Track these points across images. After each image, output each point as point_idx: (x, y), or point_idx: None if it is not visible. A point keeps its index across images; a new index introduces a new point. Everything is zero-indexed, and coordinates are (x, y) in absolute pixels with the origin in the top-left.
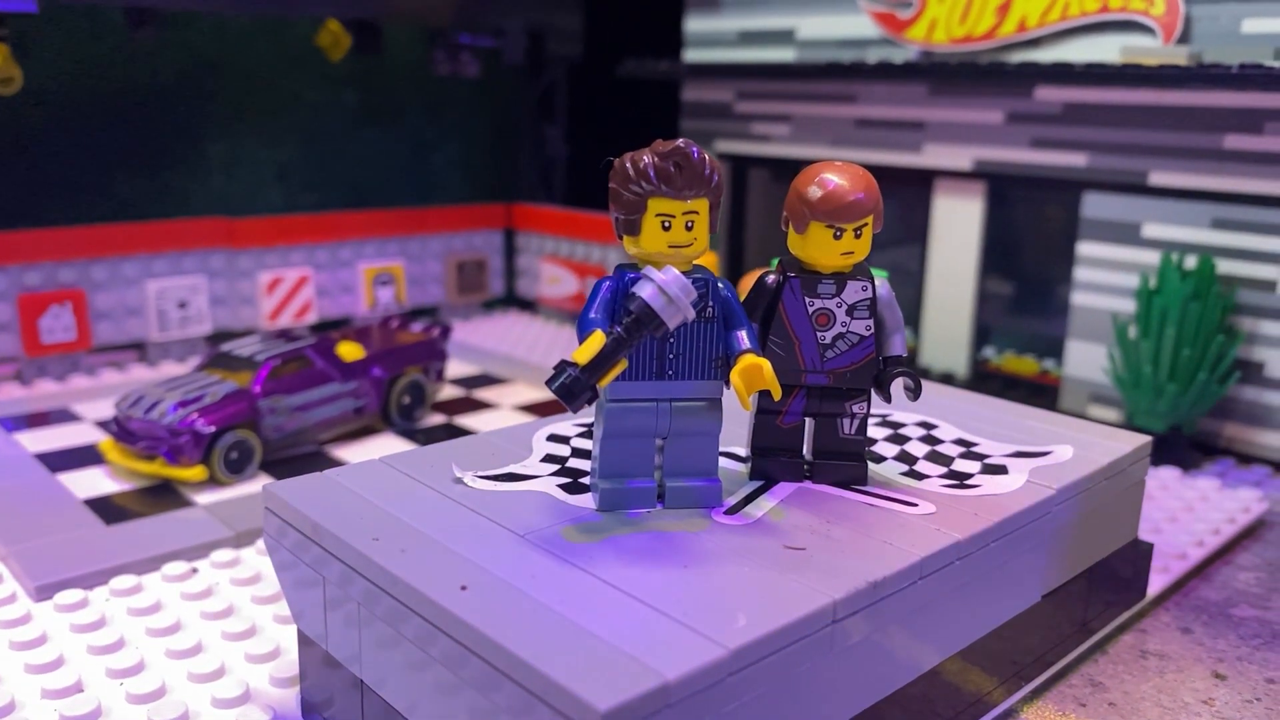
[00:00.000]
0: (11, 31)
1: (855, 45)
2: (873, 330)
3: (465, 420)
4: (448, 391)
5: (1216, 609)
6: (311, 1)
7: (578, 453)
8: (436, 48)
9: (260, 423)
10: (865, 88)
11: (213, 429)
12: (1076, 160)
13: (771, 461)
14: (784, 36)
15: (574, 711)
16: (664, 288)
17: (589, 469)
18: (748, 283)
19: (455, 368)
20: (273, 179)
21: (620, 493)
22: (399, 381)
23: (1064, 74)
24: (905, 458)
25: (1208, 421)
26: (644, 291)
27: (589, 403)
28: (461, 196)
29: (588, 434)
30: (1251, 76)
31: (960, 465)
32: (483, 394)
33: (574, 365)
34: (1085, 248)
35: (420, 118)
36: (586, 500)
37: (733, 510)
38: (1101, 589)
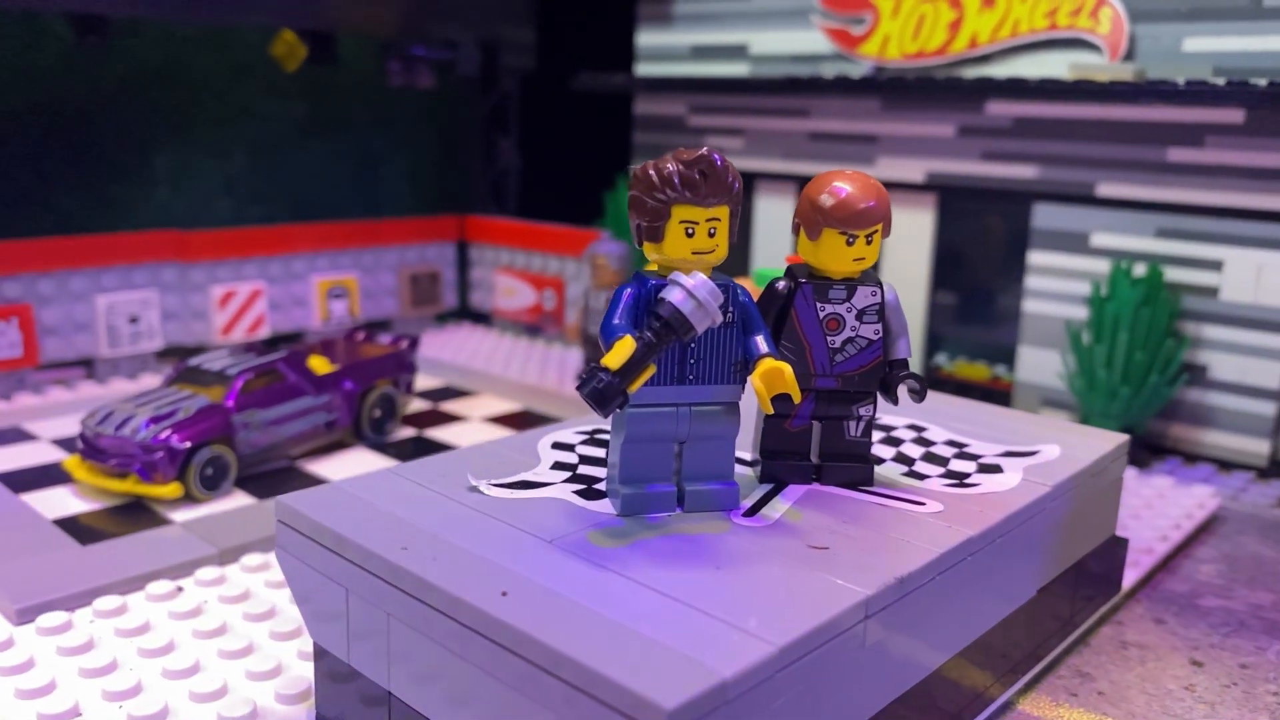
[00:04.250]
0: None
1: (808, 60)
2: (881, 334)
3: (436, 433)
4: (414, 405)
5: (1185, 600)
6: (263, 11)
7: (586, 459)
8: (391, 59)
9: (234, 438)
10: (819, 102)
11: (188, 445)
12: (1026, 172)
13: (780, 464)
14: (737, 51)
15: (638, 712)
16: (693, 292)
17: (602, 475)
18: None
19: (419, 381)
20: (220, 191)
21: (641, 497)
22: (370, 395)
23: (1018, 89)
24: (903, 459)
25: (1155, 422)
26: (673, 296)
27: (620, 408)
28: (413, 208)
29: (592, 440)
30: (1196, 92)
31: (957, 465)
32: (450, 406)
33: (604, 370)
34: (1035, 257)
35: (370, 129)
36: (604, 506)
37: (750, 512)
38: (1084, 583)
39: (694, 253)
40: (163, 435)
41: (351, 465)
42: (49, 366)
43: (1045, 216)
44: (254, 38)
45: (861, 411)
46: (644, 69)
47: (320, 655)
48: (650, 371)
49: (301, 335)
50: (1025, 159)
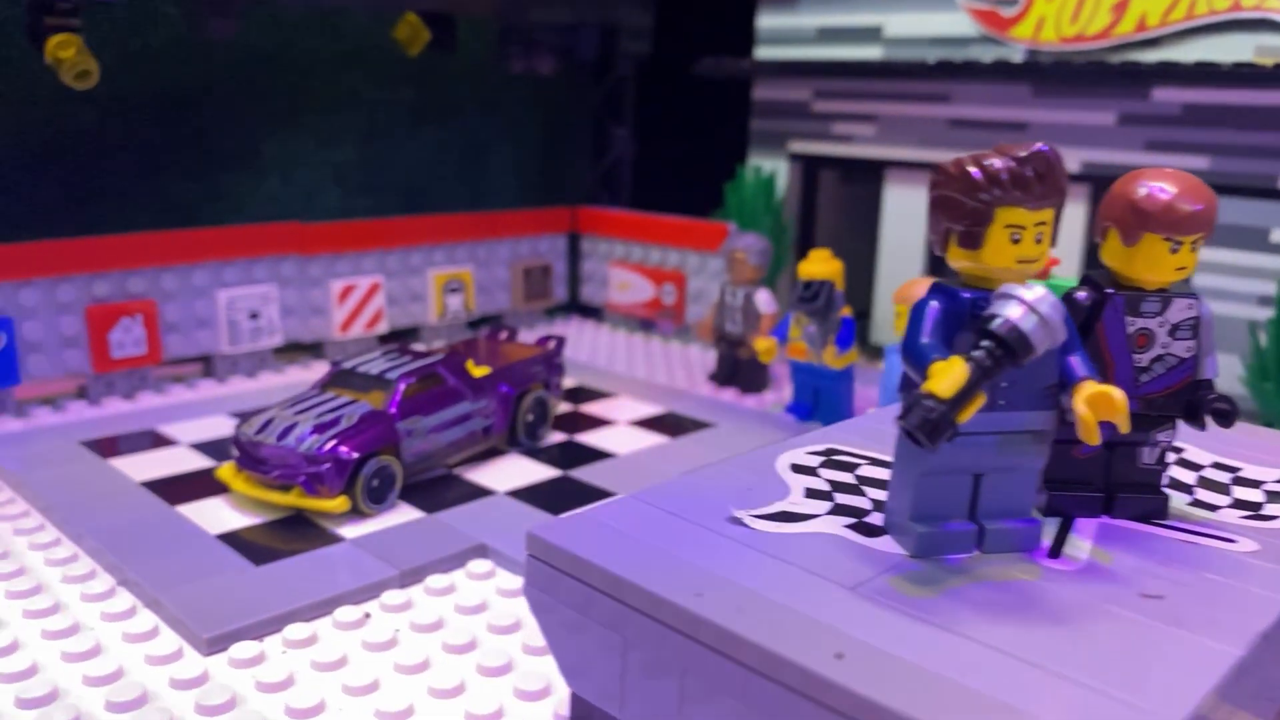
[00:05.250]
0: (84, 23)
1: (950, 44)
2: (1193, 352)
3: (586, 438)
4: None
5: None
6: None
7: (839, 486)
8: (510, 44)
9: (399, 446)
10: (961, 87)
11: (356, 455)
12: (1197, 163)
13: (1068, 496)
14: (870, 34)
15: None
16: (1035, 307)
17: (861, 504)
18: (907, 292)
19: None
20: (330, 181)
21: (938, 537)
22: (525, 398)
23: (1203, 74)
24: (1178, 485)
25: None
26: (1010, 312)
27: (949, 440)
28: (523, 199)
29: (832, 463)
30: None
31: (1240, 493)
32: (591, 409)
33: (930, 398)
34: (1207, 254)
35: (479, 117)
36: (886, 544)
37: (1054, 552)
38: None
39: (1019, 261)
40: (329, 445)
41: (512, 473)
42: (165, 364)
43: (1219, 210)
44: (364, 22)
45: (1160, 437)
46: (763, 52)
47: (579, 706)
48: (981, 400)
49: (418, 331)
50: (1196, 149)
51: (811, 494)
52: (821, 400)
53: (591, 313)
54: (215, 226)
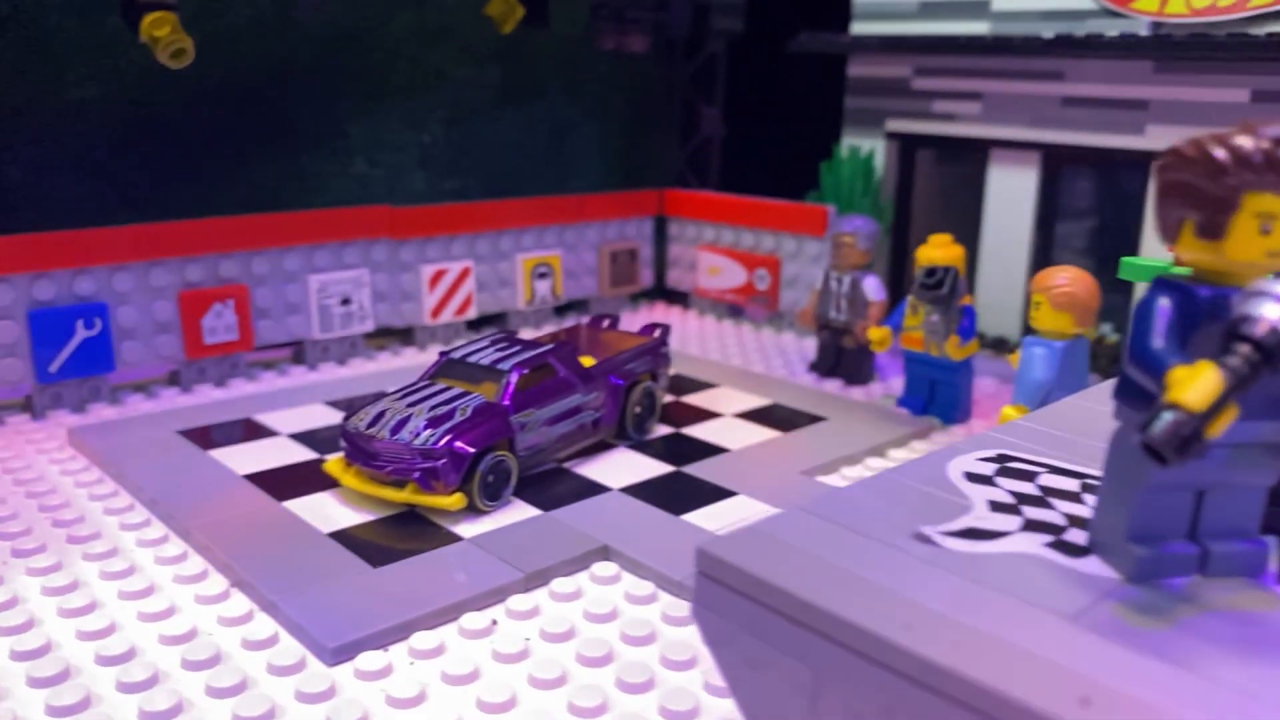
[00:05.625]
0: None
1: (1063, 18)
2: None
3: (693, 431)
4: None
5: None
6: None
7: (1023, 499)
8: (601, 20)
9: (514, 440)
10: (1076, 64)
11: (473, 451)
12: None
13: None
14: (976, 8)
15: None
16: None
17: (1053, 519)
18: (1047, 281)
19: None
20: (415, 163)
21: (1159, 560)
22: (634, 390)
23: None
24: None
25: None
26: (1271, 313)
27: (1199, 456)
28: (608, 182)
29: (1006, 471)
30: None
31: None
32: (694, 400)
33: (1177, 409)
34: None
35: (565, 96)
36: (1092, 566)
37: None
38: None
39: (1268, 254)
40: (444, 440)
41: (623, 468)
42: (258, 350)
43: None
44: None
45: None
46: (859, 28)
47: None
48: (1233, 414)
49: (505, 317)
50: None
51: (996, 507)
52: (938, 393)
53: (677, 298)
54: (303, 210)
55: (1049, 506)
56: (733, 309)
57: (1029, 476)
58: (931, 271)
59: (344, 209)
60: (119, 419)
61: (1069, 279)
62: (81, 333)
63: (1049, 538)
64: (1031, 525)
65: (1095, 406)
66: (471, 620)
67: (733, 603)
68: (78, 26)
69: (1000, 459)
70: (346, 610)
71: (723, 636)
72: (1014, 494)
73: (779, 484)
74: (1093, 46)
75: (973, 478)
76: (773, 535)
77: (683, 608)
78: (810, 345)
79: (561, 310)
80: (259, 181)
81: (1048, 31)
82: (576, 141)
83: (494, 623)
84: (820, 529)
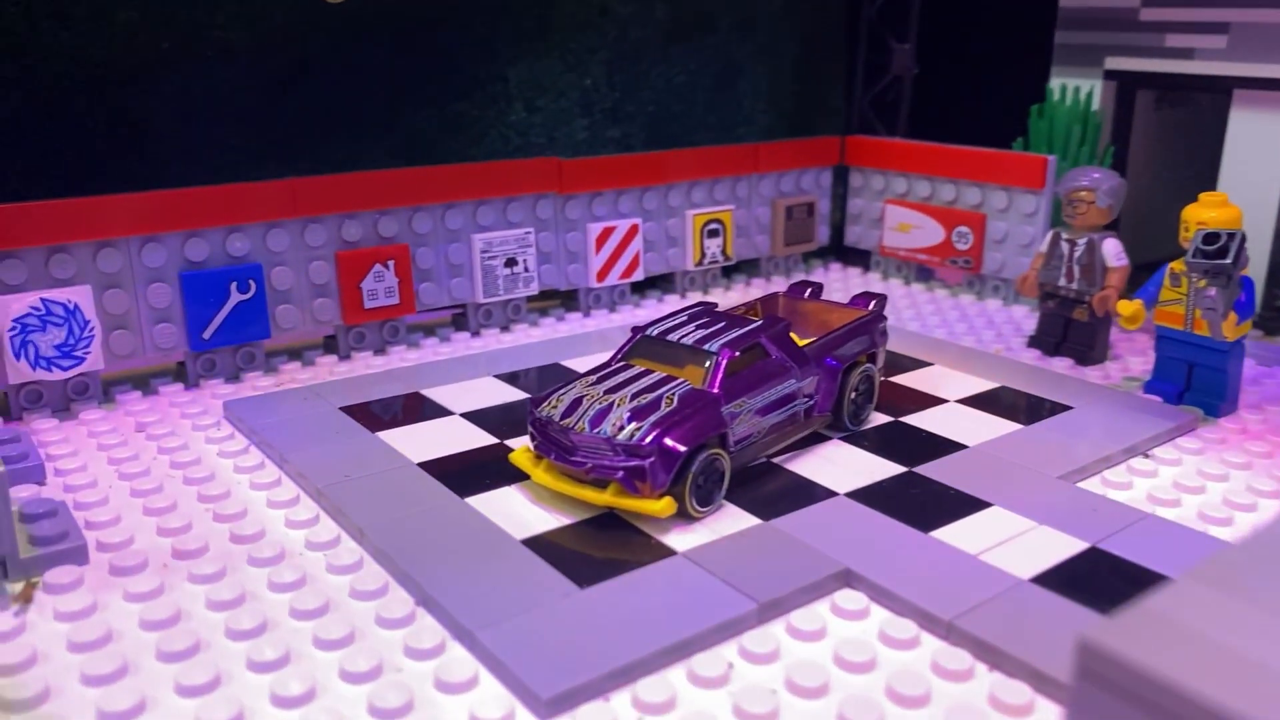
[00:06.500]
0: None
1: None
2: None
3: (916, 420)
4: None
5: None
6: None
7: None
8: None
9: (726, 435)
10: None
11: (685, 449)
12: None
13: None
14: None
15: None
16: None
17: None
18: None
19: None
20: (576, 110)
21: None
22: (851, 374)
23: None
24: None
25: None
26: None
27: None
28: (782, 128)
29: None
30: None
31: None
32: (906, 381)
33: None
34: None
35: (735, 34)
36: None
37: None
38: None
39: None
40: (653, 435)
41: (843, 466)
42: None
43: None
44: None
45: None
46: None
47: None
48: None
49: (672, 279)
50: None
51: None
52: (1198, 378)
53: (856, 257)
54: (461, 162)
55: None
56: (922, 271)
57: None
58: (1213, 236)
59: (509, 160)
60: (277, 390)
61: None
62: (235, 296)
63: None
64: None
65: None
66: (704, 664)
67: (1120, 713)
68: None
69: None
70: (557, 647)
71: None
72: None
73: (1036, 492)
74: None
75: None
76: (1182, 625)
77: (957, 658)
78: (1019, 314)
79: (728, 271)
80: (413, 130)
81: None
82: (747, 84)
83: (730, 666)
84: (1238, 613)
